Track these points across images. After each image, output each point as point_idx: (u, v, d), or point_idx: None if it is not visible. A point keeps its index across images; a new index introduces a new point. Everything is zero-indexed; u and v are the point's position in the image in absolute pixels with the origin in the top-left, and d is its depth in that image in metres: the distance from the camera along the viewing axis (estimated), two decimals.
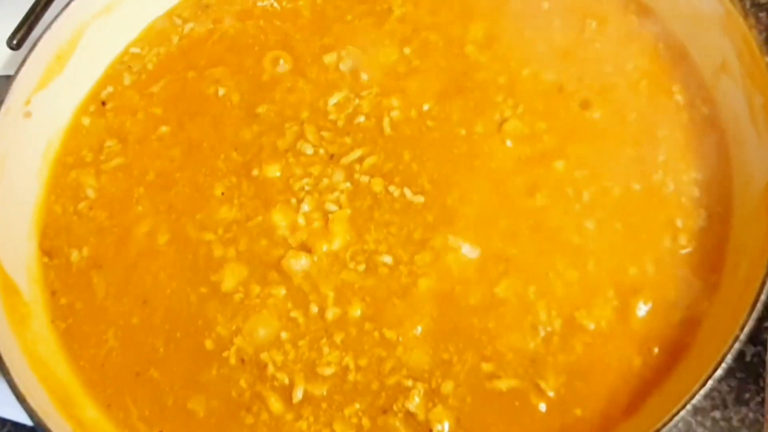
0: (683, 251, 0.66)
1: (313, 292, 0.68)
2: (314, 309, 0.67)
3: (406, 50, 0.79)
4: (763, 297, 0.57)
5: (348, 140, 0.75)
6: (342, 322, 0.67)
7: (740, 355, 0.69)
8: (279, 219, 0.71)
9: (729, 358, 0.55)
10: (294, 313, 0.67)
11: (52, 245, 0.76)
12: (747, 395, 0.68)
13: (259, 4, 0.86)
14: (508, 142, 0.72)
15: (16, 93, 0.76)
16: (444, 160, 0.72)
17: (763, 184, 0.64)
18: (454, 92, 0.75)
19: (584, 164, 0.70)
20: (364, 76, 0.78)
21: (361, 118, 0.75)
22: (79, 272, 0.74)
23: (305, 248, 0.70)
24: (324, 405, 0.64)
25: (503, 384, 0.62)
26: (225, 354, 0.67)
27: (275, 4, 0.86)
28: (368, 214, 0.71)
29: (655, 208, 0.68)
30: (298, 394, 0.64)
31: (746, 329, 0.55)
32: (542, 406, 0.62)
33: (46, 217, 0.77)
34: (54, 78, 0.80)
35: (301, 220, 0.71)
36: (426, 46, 0.79)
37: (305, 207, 0.71)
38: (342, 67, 0.79)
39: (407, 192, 0.71)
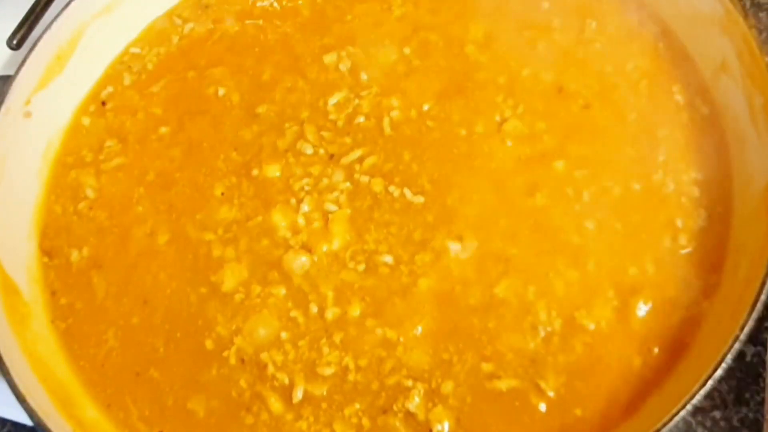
0: (683, 251, 0.66)
1: (312, 292, 0.68)
2: (314, 309, 0.67)
3: (406, 50, 0.79)
4: (763, 297, 0.57)
5: (348, 140, 0.75)
6: (342, 321, 0.67)
7: (740, 355, 0.69)
8: (279, 219, 0.71)
9: (729, 358, 0.55)
10: (294, 313, 0.67)
11: (52, 245, 0.76)
12: (747, 395, 0.68)
13: (259, 4, 0.86)
14: (508, 142, 0.72)
15: (16, 93, 0.76)
16: (444, 160, 0.72)
17: (763, 184, 0.64)
18: (454, 92, 0.75)
19: (584, 164, 0.70)
20: (364, 76, 0.78)
21: (361, 118, 0.75)
22: (79, 272, 0.74)
23: (305, 248, 0.70)
24: (324, 405, 0.64)
25: (503, 384, 0.62)
26: (225, 354, 0.67)
27: (275, 4, 0.86)
28: (368, 214, 0.71)
29: (655, 208, 0.68)
30: (298, 394, 0.64)
31: (746, 329, 0.55)
32: (542, 406, 0.62)
33: (46, 217, 0.77)
34: (54, 78, 0.80)
35: (301, 220, 0.71)
36: (426, 46, 0.79)
37: (305, 207, 0.71)
38: (342, 67, 0.79)
39: (407, 192, 0.71)
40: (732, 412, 0.68)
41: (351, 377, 0.65)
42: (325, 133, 0.75)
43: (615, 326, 0.64)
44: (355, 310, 0.67)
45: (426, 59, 0.78)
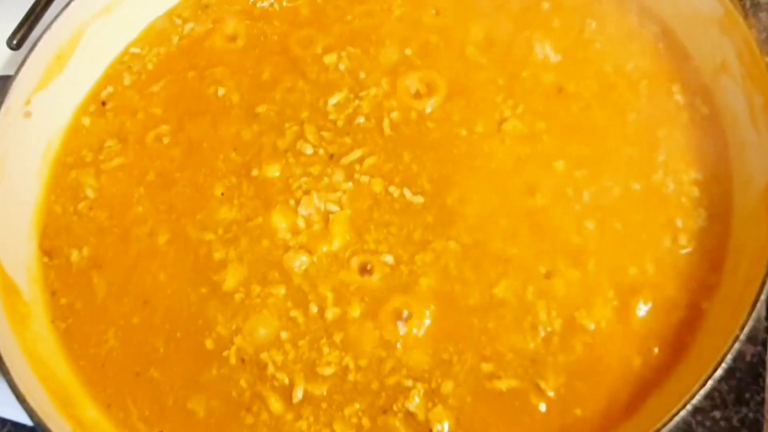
0: (683, 251, 0.66)
1: (312, 292, 0.68)
2: (314, 309, 0.67)
3: (407, 51, 0.79)
4: (763, 297, 0.57)
5: (348, 140, 0.75)
6: (342, 321, 0.67)
7: (740, 355, 0.69)
8: (279, 219, 0.71)
9: (729, 358, 0.55)
10: (294, 313, 0.67)
11: (52, 245, 0.76)
12: (747, 395, 0.68)
13: (259, 4, 0.86)
14: (508, 142, 0.72)
15: (16, 93, 0.76)
16: (444, 161, 0.72)
17: (763, 184, 0.64)
18: (454, 93, 0.75)
19: (584, 164, 0.70)
20: (363, 77, 0.78)
21: (361, 119, 0.75)
22: (79, 272, 0.74)
23: (305, 248, 0.70)
24: (324, 405, 0.64)
25: (503, 384, 0.62)
26: (225, 354, 0.67)
27: (275, 4, 0.86)
28: (368, 215, 0.71)
29: (655, 208, 0.68)
30: (298, 394, 0.64)
31: (746, 329, 0.56)
32: (542, 406, 0.62)
33: (46, 217, 0.77)
34: (54, 78, 0.80)
35: (300, 221, 0.71)
36: (426, 46, 0.79)
37: (305, 207, 0.71)
38: (342, 67, 0.79)
39: (407, 192, 0.71)
40: (732, 412, 0.68)
41: (351, 377, 0.65)
42: (325, 133, 0.75)
43: (615, 326, 0.64)
44: (355, 311, 0.67)
45: (426, 60, 0.78)
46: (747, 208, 0.66)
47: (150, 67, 0.84)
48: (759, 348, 0.69)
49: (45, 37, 0.78)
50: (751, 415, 0.67)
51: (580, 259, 0.66)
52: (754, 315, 0.56)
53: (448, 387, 0.63)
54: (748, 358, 0.69)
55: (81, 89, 0.83)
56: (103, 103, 0.83)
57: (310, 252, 0.69)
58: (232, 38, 0.84)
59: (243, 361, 0.67)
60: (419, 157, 0.73)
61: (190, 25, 0.86)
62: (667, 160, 0.70)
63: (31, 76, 0.77)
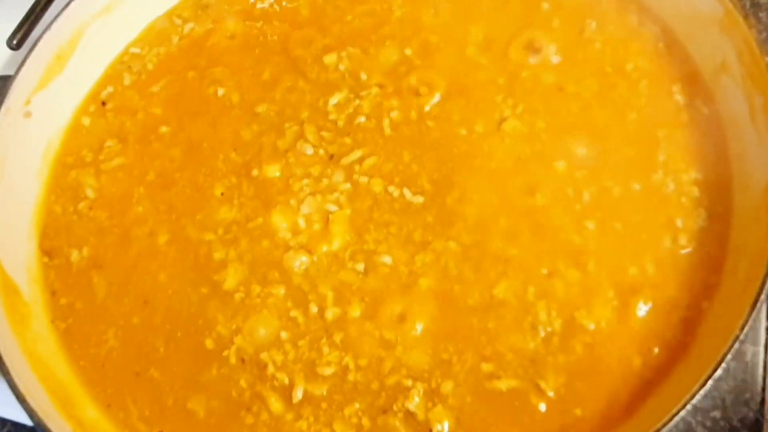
0: (683, 251, 0.66)
1: (312, 292, 0.68)
2: (314, 309, 0.67)
3: (407, 51, 0.79)
4: (763, 297, 0.57)
5: (348, 140, 0.75)
6: (342, 321, 0.67)
7: (740, 355, 0.69)
8: (279, 219, 0.71)
9: (729, 358, 0.55)
10: (294, 313, 0.67)
11: (52, 245, 0.76)
12: (747, 395, 0.68)
13: (259, 5, 0.86)
14: (508, 142, 0.72)
15: (16, 93, 0.76)
16: (444, 160, 0.72)
17: (763, 184, 0.64)
18: (454, 92, 0.75)
19: (584, 164, 0.70)
20: (364, 77, 0.78)
21: (362, 119, 0.75)
22: (79, 272, 0.74)
23: (305, 248, 0.70)
24: (324, 405, 0.64)
25: (503, 384, 0.63)
26: (225, 353, 0.67)
27: (275, 5, 0.86)
28: (368, 215, 0.71)
29: (655, 208, 0.68)
30: (298, 394, 0.64)
31: (746, 329, 0.55)
32: (542, 406, 0.62)
33: (46, 217, 0.77)
34: (54, 78, 0.80)
35: (300, 221, 0.71)
36: (426, 46, 0.79)
37: (305, 207, 0.71)
38: (342, 67, 0.79)
39: (407, 192, 0.71)
40: (732, 412, 0.68)
41: (351, 377, 0.65)
42: (325, 134, 0.75)
43: (615, 326, 0.64)
44: (355, 311, 0.67)
45: (426, 60, 0.78)
46: (747, 208, 0.66)
47: (150, 67, 0.84)
48: (759, 348, 0.69)
49: (45, 37, 0.78)
50: (751, 415, 0.67)
51: (580, 259, 0.66)
52: (754, 315, 0.56)
53: (448, 387, 0.63)
54: (748, 358, 0.69)
55: (81, 89, 0.83)
56: (103, 103, 0.83)
57: (310, 252, 0.69)
58: (232, 38, 0.84)
59: (243, 361, 0.67)
60: (419, 156, 0.73)
61: (190, 25, 0.86)
62: (667, 160, 0.70)
63: (31, 76, 0.77)
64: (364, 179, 0.72)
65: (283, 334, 0.67)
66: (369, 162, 0.73)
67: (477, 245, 0.68)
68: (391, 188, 0.71)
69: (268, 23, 0.84)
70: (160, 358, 0.68)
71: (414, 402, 0.63)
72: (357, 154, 0.73)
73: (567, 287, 0.65)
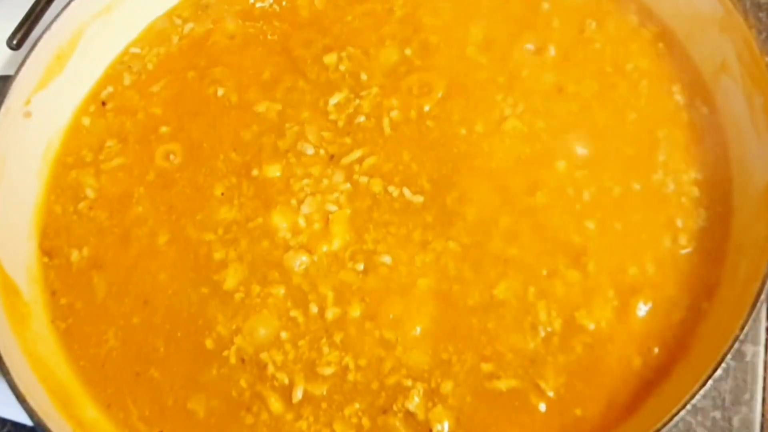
0: (683, 251, 0.66)
1: (312, 292, 0.68)
2: (314, 309, 0.67)
3: (407, 51, 0.79)
4: (763, 297, 0.57)
5: (348, 140, 0.75)
6: (341, 321, 0.67)
7: (740, 355, 0.69)
8: (279, 219, 0.71)
9: (729, 358, 0.55)
10: (294, 313, 0.67)
11: (52, 245, 0.76)
12: (747, 395, 0.68)
13: (259, 5, 0.86)
14: (508, 142, 0.72)
15: (16, 93, 0.76)
16: (444, 160, 0.72)
17: (763, 184, 0.64)
18: (454, 92, 0.75)
19: (584, 164, 0.70)
20: (364, 77, 0.78)
21: (362, 119, 0.75)
22: (79, 272, 0.74)
23: (305, 248, 0.70)
24: (324, 405, 0.64)
25: (503, 384, 0.62)
26: (225, 353, 0.67)
27: (275, 5, 0.86)
28: (368, 215, 0.71)
29: (655, 208, 0.68)
30: (298, 394, 0.64)
31: (746, 329, 0.55)
32: (542, 406, 0.62)
33: (46, 217, 0.77)
34: (54, 78, 0.80)
35: (301, 221, 0.71)
36: (426, 46, 0.79)
37: (305, 207, 0.71)
38: (342, 67, 0.79)
39: (406, 192, 0.71)
40: (732, 412, 0.68)
41: (351, 377, 0.65)
42: (325, 134, 0.75)
43: (615, 326, 0.64)
44: (355, 311, 0.67)
45: (426, 60, 0.78)
46: (747, 208, 0.66)
47: (150, 67, 0.84)
48: (759, 348, 0.69)
49: (45, 37, 0.78)
50: (751, 415, 0.67)
51: (580, 259, 0.66)
52: (754, 315, 0.56)
53: (447, 387, 0.63)
54: (748, 358, 0.69)
55: (81, 89, 0.83)
56: (103, 103, 0.83)
57: (310, 252, 0.69)
58: (232, 38, 0.84)
59: (243, 361, 0.67)
60: (419, 156, 0.73)
61: (190, 25, 0.86)
62: (667, 160, 0.70)
63: (31, 76, 0.77)
64: (364, 179, 0.72)
65: (283, 334, 0.67)
66: (369, 162, 0.73)
67: (477, 245, 0.68)
68: (390, 188, 0.71)
69: (268, 23, 0.84)
70: (160, 358, 0.68)
71: (414, 402, 0.63)
72: (357, 154, 0.73)
73: (567, 287, 0.65)
